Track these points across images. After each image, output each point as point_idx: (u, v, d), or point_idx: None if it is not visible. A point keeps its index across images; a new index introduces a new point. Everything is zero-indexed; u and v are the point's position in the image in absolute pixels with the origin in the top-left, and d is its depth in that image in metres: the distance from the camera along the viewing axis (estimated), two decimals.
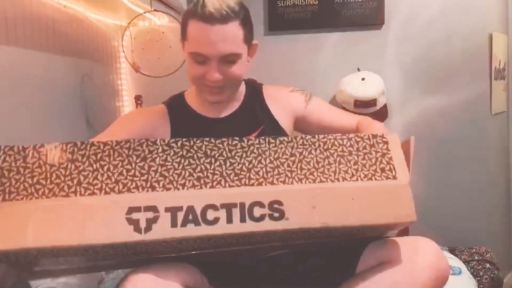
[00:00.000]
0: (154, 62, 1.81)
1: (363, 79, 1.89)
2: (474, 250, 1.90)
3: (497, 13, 2.10)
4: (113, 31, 2.01)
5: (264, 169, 0.80)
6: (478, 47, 2.00)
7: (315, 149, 0.83)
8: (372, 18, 2.01)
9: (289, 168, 0.80)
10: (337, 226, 0.78)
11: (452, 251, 1.88)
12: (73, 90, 1.66)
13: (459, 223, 1.98)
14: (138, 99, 1.99)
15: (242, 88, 1.13)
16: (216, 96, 1.03)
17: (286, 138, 0.83)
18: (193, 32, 0.99)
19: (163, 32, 1.80)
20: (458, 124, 2.00)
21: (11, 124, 1.27)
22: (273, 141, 0.83)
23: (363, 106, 1.87)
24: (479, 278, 1.80)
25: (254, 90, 1.15)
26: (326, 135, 0.85)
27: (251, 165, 0.80)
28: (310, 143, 0.83)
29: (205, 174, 0.78)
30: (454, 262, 1.67)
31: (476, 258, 1.87)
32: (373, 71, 1.94)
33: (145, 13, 1.74)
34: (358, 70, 1.96)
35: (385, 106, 1.94)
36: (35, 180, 0.73)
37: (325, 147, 0.83)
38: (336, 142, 0.84)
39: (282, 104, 1.13)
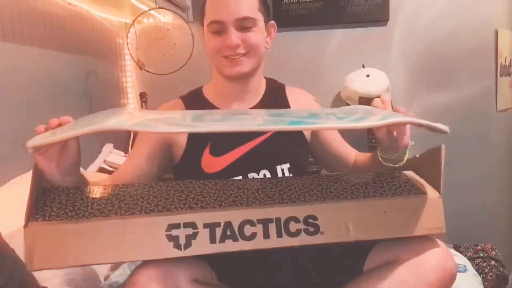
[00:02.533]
0: (159, 59, 1.81)
1: (367, 75, 1.88)
2: (479, 247, 1.90)
3: (503, 9, 2.09)
4: (118, 28, 2.01)
5: (295, 193, 0.84)
6: (484, 43, 1.99)
7: (341, 181, 0.88)
8: (377, 15, 2.00)
9: (320, 192, 0.85)
10: (371, 239, 0.83)
11: (457, 248, 1.88)
12: (77, 87, 1.67)
13: (464, 220, 1.98)
14: (142, 97, 1.99)
15: (262, 83, 1.12)
16: (236, 66, 1.02)
17: (312, 175, 0.90)
18: (210, 5, 1.03)
19: (168, 30, 1.80)
20: (463, 121, 1.99)
21: (16, 122, 1.28)
22: (300, 177, 0.89)
23: (367, 102, 1.86)
24: (484, 275, 1.79)
25: (276, 87, 1.15)
26: (347, 174, 0.93)
27: (282, 192, 0.84)
28: (335, 177, 0.89)
29: (239, 198, 0.81)
30: (459, 259, 1.67)
31: (481, 255, 1.86)
32: (378, 68, 1.93)
33: (150, 10, 1.74)
34: (363, 66, 1.96)
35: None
36: (76, 207, 0.76)
37: (349, 179, 0.89)
38: (359, 176, 0.91)
39: (305, 107, 1.13)
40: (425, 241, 0.85)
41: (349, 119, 0.76)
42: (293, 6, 2.05)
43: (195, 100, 1.10)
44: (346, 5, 2.02)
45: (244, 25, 1.00)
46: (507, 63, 2.13)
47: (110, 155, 1.76)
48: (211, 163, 1.01)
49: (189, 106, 1.09)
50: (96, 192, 0.81)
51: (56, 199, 0.77)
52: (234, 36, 0.99)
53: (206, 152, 1.02)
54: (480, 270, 1.79)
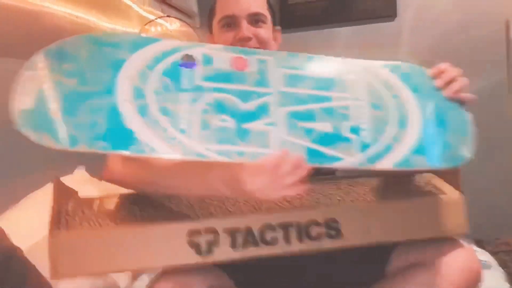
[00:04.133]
0: None
1: None
2: (500, 240, 1.87)
3: None
4: None
5: (315, 197, 0.84)
6: (495, 34, 1.97)
7: (360, 183, 0.88)
8: (384, 10, 1.99)
9: (339, 195, 0.84)
10: (393, 241, 0.82)
11: (478, 242, 1.85)
12: None
13: (484, 213, 1.95)
14: None
15: None
16: None
17: (330, 178, 0.90)
18: (220, 3, 1.05)
19: (175, 39, 1.80)
20: (475, 114, 1.96)
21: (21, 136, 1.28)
22: (318, 180, 0.89)
23: None
24: (507, 269, 1.76)
25: None
26: (366, 176, 0.92)
27: (301, 195, 0.83)
28: (354, 179, 0.90)
29: (259, 203, 0.82)
30: (482, 255, 1.64)
31: (504, 249, 1.83)
32: None
33: (157, 19, 1.75)
34: None
35: None
36: (98, 216, 0.79)
37: (368, 181, 0.89)
38: (379, 178, 0.90)
39: None
40: (449, 242, 0.84)
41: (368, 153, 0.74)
42: (299, 6, 2.05)
43: None
44: (353, 2, 2.01)
45: (255, 20, 1.02)
46: None
47: None
48: None
49: None
50: (118, 201, 0.83)
51: (78, 209, 0.79)
52: (246, 29, 1.00)
53: None
54: (502, 264, 1.76)
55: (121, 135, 0.67)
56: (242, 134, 0.71)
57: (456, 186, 0.85)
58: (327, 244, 0.77)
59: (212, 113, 0.71)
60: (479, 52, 1.96)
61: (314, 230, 0.77)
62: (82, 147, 0.66)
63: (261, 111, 0.73)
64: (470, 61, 2.01)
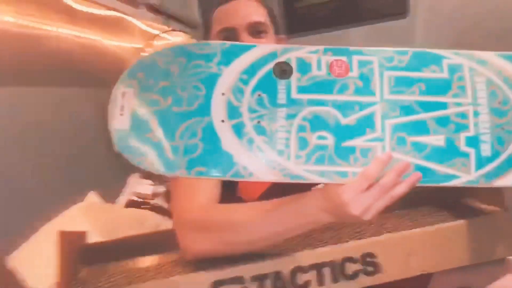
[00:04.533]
0: None
1: None
2: None
3: None
4: (131, 54, 1.96)
5: (345, 228, 0.78)
6: (508, 29, 1.88)
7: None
8: (395, 8, 1.91)
9: (373, 226, 0.77)
10: (437, 270, 0.76)
11: None
12: (96, 121, 1.62)
13: None
14: None
15: None
16: None
17: None
18: (218, 14, 0.98)
19: None
20: None
21: (35, 164, 1.24)
22: None
23: None
24: None
25: None
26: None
27: (330, 227, 0.78)
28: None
29: (286, 242, 0.75)
30: None
31: None
32: None
33: (162, 33, 1.69)
34: None
35: None
36: (114, 273, 0.76)
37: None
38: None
39: None
40: (498, 263, 0.77)
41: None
42: (307, 9, 1.98)
43: None
44: (362, 2, 1.93)
45: (256, 30, 0.95)
46: None
47: (138, 185, 1.71)
48: (249, 187, 0.93)
49: None
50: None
51: (92, 265, 0.76)
52: (248, 41, 0.93)
53: None
54: None
55: (218, 159, 0.62)
56: (343, 153, 0.63)
57: (501, 203, 0.77)
58: (365, 282, 0.70)
59: (310, 130, 0.63)
60: (496, 48, 1.87)
61: (350, 268, 0.70)
62: (180, 173, 0.62)
63: (364, 125, 0.64)
64: None
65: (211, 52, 0.66)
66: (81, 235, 0.96)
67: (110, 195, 1.56)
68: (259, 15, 0.96)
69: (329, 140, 0.63)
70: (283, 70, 0.65)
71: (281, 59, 0.66)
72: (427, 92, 0.65)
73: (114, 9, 1.43)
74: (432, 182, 0.62)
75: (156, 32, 1.71)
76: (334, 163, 0.62)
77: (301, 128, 0.63)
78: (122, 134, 0.64)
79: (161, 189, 1.70)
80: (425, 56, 0.67)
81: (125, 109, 0.64)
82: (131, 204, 1.62)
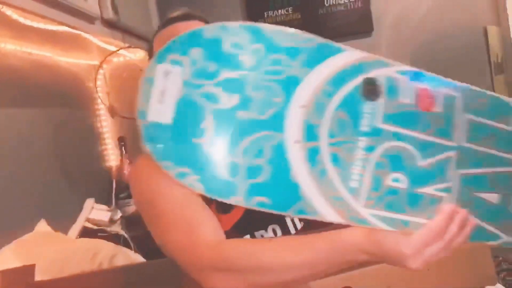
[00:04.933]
0: (134, 102, 1.66)
1: None
2: (501, 258, 1.78)
3: (488, 5, 2.01)
4: (87, 71, 1.86)
5: None
6: (474, 42, 1.91)
7: None
8: (360, 26, 1.90)
9: None
10: None
11: None
12: (45, 144, 1.51)
13: None
14: (121, 141, 1.85)
15: None
16: None
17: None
18: (159, 38, 0.91)
19: (141, 70, 1.66)
20: None
21: None
22: None
23: None
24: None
25: None
26: None
27: None
28: None
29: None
30: None
31: (505, 267, 1.74)
32: None
33: (117, 51, 1.61)
34: None
35: None
36: None
37: None
38: None
39: None
40: None
41: None
42: None
43: None
44: (326, 19, 1.92)
45: None
46: (499, 60, 2.04)
47: (93, 211, 1.60)
48: (222, 217, 0.84)
49: None
50: None
51: None
52: None
53: (212, 209, 0.84)
54: (507, 285, 1.67)
55: (284, 189, 0.53)
56: (412, 200, 0.56)
57: None
58: None
59: (386, 169, 0.55)
60: (460, 61, 1.89)
61: None
62: (236, 200, 0.52)
63: (437, 172, 0.57)
64: (452, 70, 1.95)
65: (297, 47, 0.55)
66: (28, 270, 0.86)
67: (62, 223, 1.45)
68: None
69: (403, 183, 0.55)
70: (372, 90, 0.55)
71: (370, 74, 0.56)
72: (498, 145, 0.60)
73: (67, 25, 1.34)
74: (480, 239, 0.57)
75: (112, 48, 1.63)
76: (401, 210, 0.55)
77: (379, 165, 0.55)
78: (158, 130, 0.52)
79: (119, 215, 1.60)
80: (500, 104, 0.61)
81: (167, 95, 0.51)
82: (85, 232, 1.51)
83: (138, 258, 1.28)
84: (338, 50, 0.57)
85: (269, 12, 1.93)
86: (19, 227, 1.24)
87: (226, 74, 0.53)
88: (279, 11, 1.91)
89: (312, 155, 0.53)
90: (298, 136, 0.53)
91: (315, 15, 1.90)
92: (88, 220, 1.56)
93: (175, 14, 0.92)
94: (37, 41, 1.49)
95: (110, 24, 1.54)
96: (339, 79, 0.55)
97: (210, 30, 0.54)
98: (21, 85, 1.41)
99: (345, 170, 0.54)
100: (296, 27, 2.04)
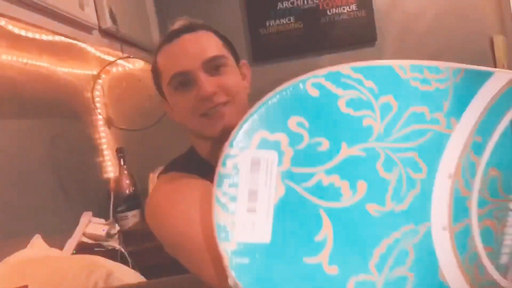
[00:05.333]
0: (133, 113, 1.63)
1: None
2: None
3: (494, 14, 1.97)
4: (85, 82, 1.83)
5: None
6: (480, 52, 1.87)
7: None
8: (363, 35, 1.87)
9: None
10: None
11: None
12: (41, 155, 1.47)
13: None
14: (119, 152, 1.81)
15: None
16: (219, 121, 0.78)
17: None
18: (163, 59, 0.82)
19: (139, 80, 1.63)
20: None
21: None
22: None
23: None
24: None
25: None
26: None
27: None
28: None
29: None
30: None
31: None
32: None
33: (116, 61, 1.57)
34: None
35: None
36: None
37: None
38: None
39: None
40: None
41: None
42: (272, 36, 1.91)
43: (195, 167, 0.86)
44: (329, 29, 1.88)
45: (214, 66, 0.80)
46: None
47: (90, 225, 1.56)
48: None
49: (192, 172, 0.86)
50: None
51: None
52: (207, 83, 0.77)
53: None
54: None
55: None
56: None
57: None
58: None
59: None
60: None
61: None
62: None
63: None
64: None
65: (440, 89, 0.44)
66: None
67: (58, 238, 1.41)
68: (212, 48, 0.81)
69: None
70: None
71: None
72: None
73: (64, 35, 1.31)
74: None
75: (111, 58, 1.59)
76: None
77: None
78: (251, 253, 0.36)
79: (116, 229, 1.56)
80: None
81: (260, 198, 0.37)
82: (82, 247, 1.46)
83: (135, 276, 1.24)
84: (487, 75, 0.44)
85: (271, 21, 1.90)
86: (13, 241, 1.20)
87: (344, 152, 0.41)
88: (281, 20, 1.88)
89: (462, 240, 0.41)
90: (447, 220, 0.40)
91: (317, 25, 1.87)
92: (84, 234, 1.51)
93: (178, 25, 0.85)
94: (34, 52, 1.46)
95: (108, 34, 1.51)
96: (489, 122, 0.43)
97: (314, 80, 0.43)
98: (17, 96, 1.38)
99: (497, 246, 0.42)
100: (297, 38, 2.00)
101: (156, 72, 0.85)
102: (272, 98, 0.44)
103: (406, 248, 0.39)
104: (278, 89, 0.45)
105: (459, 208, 0.41)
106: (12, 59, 1.38)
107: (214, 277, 0.61)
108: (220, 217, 0.37)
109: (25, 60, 1.45)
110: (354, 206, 0.39)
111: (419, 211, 0.40)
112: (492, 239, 0.43)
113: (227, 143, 0.42)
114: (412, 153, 0.41)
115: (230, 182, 0.38)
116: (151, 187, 1.72)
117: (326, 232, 0.38)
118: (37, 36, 1.28)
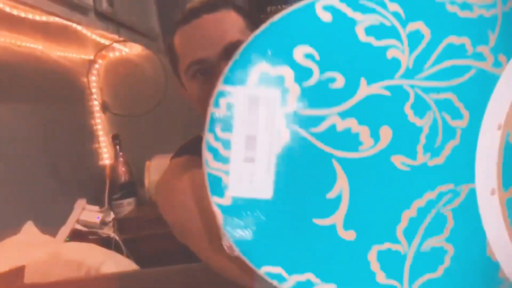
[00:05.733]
0: (130, 98, 1.59)
1: None
2: None
3: None
4: (81, 66, 1.79)
5: None
6: None
7: None
8: None
9: None
10: None
11: None
12: (34, 141, 1.44)
13: None
14: (115, 139, 1.77)
15: None
16: None
17: None
18: (180, 42, 0.75)
19: (136, 65, 1.59)
20: None
21: None
22: None
23: None
24: None
25: None
26: None
27: None
28: None
29: None
30: None
31: None
32: None
33: (112, 44, 1.53)
34: None
35: None
36: None
37: None
38: None
39: None
40: None
41: None
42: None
43: None
44: None
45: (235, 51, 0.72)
46: None
47: (84, 212, 1.53)
48: None
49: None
50: None
51: None
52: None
53: None
54: None
55: (477, 274, 0.33)
56: None
57: None
58: None
59: None
60: None
61: None
62: None
63: None
64: None
65: (485, 17, 0.34)
66: (17, 273, 0.80)
67: (51, 225, 1.38)
68: (234, 30, 0.72)
69: None
70: None
71: None
72: None
73: (58, 15, 1.26)
74: None
75: (107, 43, 1.55)
76: None
77: None
78: (251, 211, 0.31)
79: (111, 217, 1.53)
80: None
81: (260, 145, 0.31)
82: (76, 234, 1.44)
83: (129, 264, 1.21)
84: None
85: (272, 7, 1.85)
86: (4, 228, 1.18)
87: (364, 91, 0.33)
88: (283, 6, 1.83)
89: None
90: (496, 182, 0.33)
91: None
92: (78, 221, 1.49)
93: (198, 2, 0.74)
94: (27, 33, 1.42)
95: (105, 17, 1.46)
96: None
97: (325, 2, 0.34)
98: (9, 79, 1.34)
99: None
100: None
101: (172, 54, 0.78)
102: (275, 24, 0.34)
103: (444, 213, 0.33)
104: (281, 13, 0.36)
105: (511, 169, 0.33)
106: (5, 40, 1.34)
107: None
108: (211, 167, 0.32)
109: (18, 42, 1.41)
110: (376, 158, 0.32)
111: (460, 167, 0.32)
112: None
113: (220, 79, 0.36)
114: (449, 95, 0.33)
115: (223, 126, 0.32)
116: (147, 175, 1.69)
117: (341, 189, 0.32)
118: (30, 16, 1.24)
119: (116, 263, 1.16)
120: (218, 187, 0.33)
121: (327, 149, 0.33)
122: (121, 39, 1.50)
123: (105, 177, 1.77)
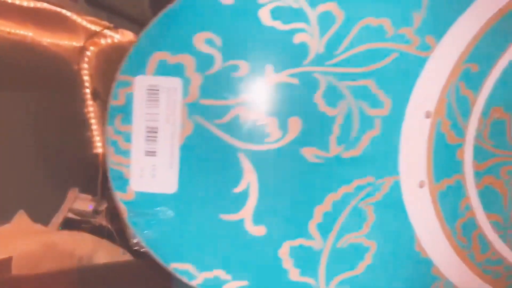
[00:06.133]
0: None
1: None
2: None
3: None
4: (72, 53, 1.76)
5: None
6: None
7: None
8: None
9: None
10: None
11: None
12: (25, 130, 1.43)
13: None
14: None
15: None
16: None
17: None
18: None
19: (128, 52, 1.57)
20: None
21: None
22: None
23: None
24: None
25: None
26: None
27: None
28: None
29: None
30: None
31: None
32: None
33: (102, 30, 1.51)
34: None
35: None
36: None
37: None
38: None
39: None
40: None
41: None
42: None
43: None
44: None
45: None
46: None
47: (76, 201, 1.52)
48: None
49: None
50: None
51: None
52: None
53: None
54: None
55: (407, 269, 0.29)
56: None
57: None
58: None
59: None
60: None
61: None
62: None
63: None
64: None
65: None
66: (4, 264, 0.81)
67: (43, 214, 1.38)
68: None
69: None
70: None
71: None
72: None
73: (48, 1, 1.25)
74: None
75: (98, 29, 1.53)
76: None
77: None
78: (154, 207, 0.27)
79: (104, 206, 1.52)
80: None
81: (162, 139, 0.27)
82: (68, 223, 1.43)
83: (122, 254, 1.21)
84: None
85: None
86: None
87: (270, 79, 0.29)
88: None
89: (450, 202, 0.28)
90: (425, 173, 0.28)
91: None
92: (71, 210, 1.48)
93: None
94: (17, 20, 1.40)
95: (95, 3, 1.44)
96: (490, 45, 0.29)
97: None
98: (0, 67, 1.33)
99: (506, 213, 0.30)
100: None
101: None
102: (174, 9, 0.33)
103: (362, 207, 0.28)
104: None
105: (444, 160, 0.29)
106: None
107: None
108: (113, 161, 0.31)
109: (8, 29, 1.39)
110: (285, 150, 0.27)
111: (381, 159, 0.28)
112: (499, 204, 0.30)
113: (118, 70, 0.35)
114: (366, 81, 0.27)
115: (123, 117, 0.32)
116: None
117: (248, 183, 0.28)
118: (17, 2, 1.22)
119: (108, 252, 1.16)
120: (120, 181, 0.32)
121: (233, 141, 0.33)
122: (112, 25, 1.48)
123: (98, 165, 1.75)
